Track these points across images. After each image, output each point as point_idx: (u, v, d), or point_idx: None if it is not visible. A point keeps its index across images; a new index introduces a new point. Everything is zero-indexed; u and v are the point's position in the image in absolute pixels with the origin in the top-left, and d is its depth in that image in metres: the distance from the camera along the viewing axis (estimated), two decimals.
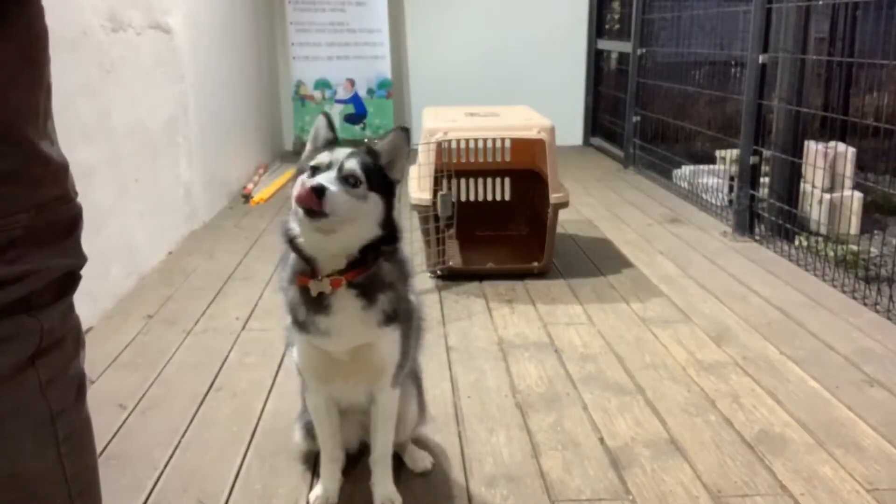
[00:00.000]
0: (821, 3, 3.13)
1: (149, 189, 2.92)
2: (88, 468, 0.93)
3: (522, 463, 1.62)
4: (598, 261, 3.00)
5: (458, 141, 2.89)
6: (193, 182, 3.40)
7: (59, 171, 0.87)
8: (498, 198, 3.32)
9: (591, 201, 3.99)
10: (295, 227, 1.28)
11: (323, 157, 1.28)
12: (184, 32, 3.31)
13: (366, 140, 5.24)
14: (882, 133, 2.97)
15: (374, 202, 1.28)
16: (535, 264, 2.80)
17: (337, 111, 5.37)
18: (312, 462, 1.62)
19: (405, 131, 1.35)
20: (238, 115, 4.40)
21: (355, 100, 5.40)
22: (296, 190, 1.23)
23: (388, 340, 1.37)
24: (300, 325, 1.35)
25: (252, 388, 1.96)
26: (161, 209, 3.07)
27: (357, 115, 5.41)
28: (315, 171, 1.26)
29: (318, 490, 1.49)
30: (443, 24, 5.66)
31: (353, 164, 1.26)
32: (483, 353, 2.16)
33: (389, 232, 1.31)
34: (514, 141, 3.15)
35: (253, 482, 1.56)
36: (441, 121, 2.85)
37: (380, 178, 1.29)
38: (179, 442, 1.71)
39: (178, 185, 3.27)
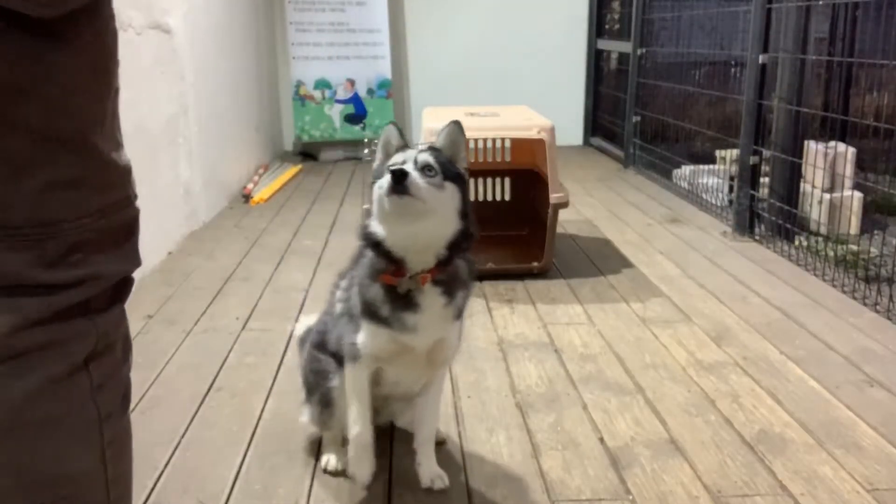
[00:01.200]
0: (821, 3, 3.13)
1: (149, 189, 2.92)
2: (126, 474, 0.94)
3: (522, 463, 1.62)
4: (598, 261, 3.00)
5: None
6: (193, 182, 3.40)
7: (122, 175, 0.89)
8: (498, 198, 3.32)
9: (591, 201, 3.99)
10: (379, 231, 1.34)
11: (397, 158, 1.35)
12: (184, 32, 3.31)
13: (366, 140, 5.24)
14: (882, 133, 2.97)
15: (451, 191, 1.35)
16: (535, 264, 2.80)
17: (337, 111, 5.37)
18: (313, 462, 1.62)
19: (458, 124, 1.43)
20: (238, 116, 4.40)
21: (355, 100, 5.40)
22: (378, 191, 1.32)
23: (456, 332, 1.46)
24: (381, 321, 1.39)
25: (252, 388, 1.96)
26: (161, 209, 3.07)
27: (357, 115, 5.41)
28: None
29: (355, 476, 1.49)
30: (443, 24, 5.66)
31: (426, 157, 1.34)
32: (483, 353, 2.16)
33: (466, 226, 1.38)
34: (514, 141, 3.15)
35: (253, 482, 1.56)
36: (441, 121, 2.84)
37: (451, 170, 1.37)
38: (179, 442, 1.71)
39: (178, 185, 3.27)
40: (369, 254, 1.39)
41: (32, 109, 0.78)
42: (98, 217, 0.84)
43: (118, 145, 0.89)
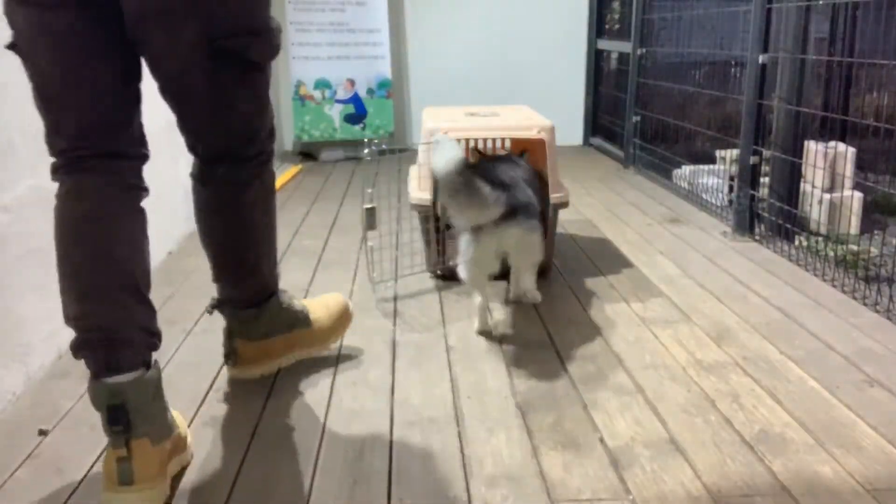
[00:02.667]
0: (821, 3, 3.13)
1: (149, 189, 2.91)
2: (274, 240, 1.91)
3: (522, 463, 1.62)
4: (598, 261, 3.00)
5: (459, 141, 2.88)
6: None
7: (273, 122, 1.84)
8: None
9: (591, 201, 4.00)
10: None
11: None
12: None
13: (366, 140, 5.24)
14: (882, 133, 2.98)
15: None
16: None
17: (337, 111, 5.37)
18: (313, 462, 1.62)
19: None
20: None
21: (355, 100, 5.40)
22: None
23: None
24: None
25: (252, 388, 1.96)
26: (161, 209, 3.06)
27: (357, 115, 5.41)
28: None
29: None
30: (443, 24, 5.67)
31: None
32: (483, 353, 2.17)
33: None
34: (514, 141, 3.15)
35: (253, 481, 1.56)
36: (441, 121, 2.85)
37: None
38: None
39: (178, 186, 3.26)
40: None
41: (263, 99, 1.73)
42: (269, 134, 1.77)
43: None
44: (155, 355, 1.56)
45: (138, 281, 1.51)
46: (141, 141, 1.64)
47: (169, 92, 1.62)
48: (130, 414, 1.40)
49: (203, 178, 1.77)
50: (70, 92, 1.44)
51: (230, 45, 1.52)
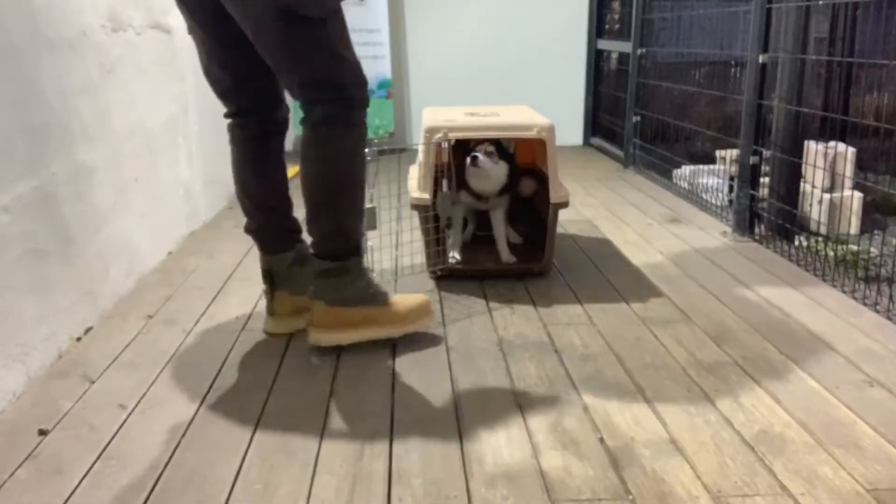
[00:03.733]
0: (821, 3, 3.13)
1: (149, 189, 2.92)
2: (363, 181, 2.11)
3: (522, 463, 1.62)
4: (598, 261, 3.00)
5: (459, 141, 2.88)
6: (193, 182, 3.40)
7: (357, 74, 2.05)
8: None
9: (591, 201, 4.00)
10: None
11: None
12: (184, 32, 3.31)
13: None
14: (882, 133, 2.98)
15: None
16: (536, 264, 2.80)
17: None
18: (313, 461, 1.62)
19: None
20: None
21: None
22: None
23: None
24: None
25: (252, 388, 1.96)
26: (161, 209, 3.07)
27: None
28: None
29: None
30: (443, 24, 5.66)
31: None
32: (483, 353, 2.16)
33: None
34: (514, 141, 3.15)
35: (253, 482, 1.56)
36: (441, 121, 2.84)
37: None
38: (179, 442, 1.71)
39: (178, 185, 3.27)
40: None
41: (332, 51, 1.96)
42: (356, 82, 2.00)
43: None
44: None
45: (277, 199, 2.26)
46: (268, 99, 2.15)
47: (258, 48, 1.95)
48: (274, 276, 2.23)
49: (304, 121, 2.01)
50: (208, 70, 2.18)
51: (287, 4, 1.84)
